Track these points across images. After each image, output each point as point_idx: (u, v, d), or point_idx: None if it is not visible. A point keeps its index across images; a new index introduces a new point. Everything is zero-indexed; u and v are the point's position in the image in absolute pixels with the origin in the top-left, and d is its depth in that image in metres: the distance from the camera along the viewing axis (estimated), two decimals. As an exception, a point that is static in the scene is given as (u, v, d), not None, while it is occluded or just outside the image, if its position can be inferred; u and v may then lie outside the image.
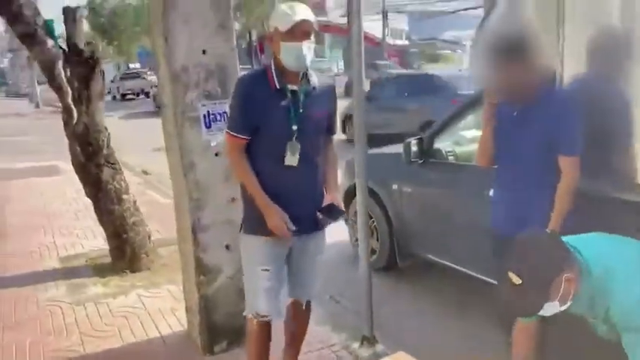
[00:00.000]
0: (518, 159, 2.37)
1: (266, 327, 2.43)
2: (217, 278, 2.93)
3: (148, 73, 29.36)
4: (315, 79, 2.30)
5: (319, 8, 31.74)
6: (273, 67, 2.23)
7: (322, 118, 2.34)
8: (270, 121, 2.22)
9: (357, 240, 4.55)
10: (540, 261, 1.63)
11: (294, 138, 2.22)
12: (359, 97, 2.83)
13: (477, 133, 3.97)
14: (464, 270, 3.50)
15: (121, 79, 31.71)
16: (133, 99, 29.86)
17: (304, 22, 2.13)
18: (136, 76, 31.65)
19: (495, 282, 2.76)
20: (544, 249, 1.67)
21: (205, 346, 2.98)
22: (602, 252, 1.74)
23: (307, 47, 2.16)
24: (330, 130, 2.44)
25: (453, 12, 32.62)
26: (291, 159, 2.24)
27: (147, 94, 27.92)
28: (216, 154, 2.81)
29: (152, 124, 17.25)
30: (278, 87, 2.22)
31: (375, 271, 3.79)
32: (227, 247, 2.92)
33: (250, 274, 2.40)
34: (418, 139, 3.68)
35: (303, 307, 2.56)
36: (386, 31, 32.67)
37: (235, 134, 2.25)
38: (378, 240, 4.29)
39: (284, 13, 2.16)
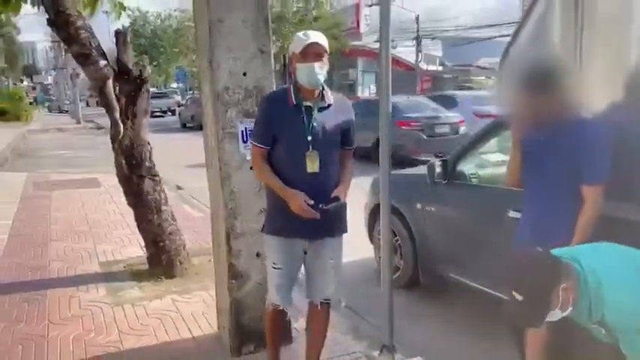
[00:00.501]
0: (544, 184, 2.48)
1: (279, 313, 2.76)
2: (247, 283, 3.14)
3: (177, 93, 31.45)
4: (330, 96, 2.61)
5: (354, 33, 32.25)
6: (292, 86, 2.58)
7: (336, 131, 2.60)
8: (288, 132, 2.55)
9: (379, 258, 4.73)
10: (537, 278, 1.78)
11: (310, 147, 2.52)
12: (385, 119, 3.02)
13: (499, 156, 4.13)
14: (485, 289, 3.60)
15: (151, 97, 33.65)
16: (162, 116, 32.00)
17: (315, 44, 2.46)
18: (163, 95, 35.11)
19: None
20: (539, 267, 1.82)
21: (234, 347, 3.18)
22: (598, 262, 1.88)
23: (319, 67, 2.48)
24: (347, 143, 2.70)
25: (488, 39, 32.67)
26: (311, 166, 2.52)
27: (173, 112, 30.09)
28: (251, 168, 3.04)
29: (180, 139, 18.11)
30: (295, 103, 2.54)
31: (398, 289, 3.93)
32: (257, 254, 3.13)
33: (268, 269, 2.73)
34: (442, 160, 3.85)
35: (319, 308, 2.77)
36: (419, 56, 32.90)
37: (257, 144, 2.60)
38: (401, 258, 4.43)
39: (299, 38, 2.52)
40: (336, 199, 2.56)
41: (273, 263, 2.67)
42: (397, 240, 4.40)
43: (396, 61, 35.87)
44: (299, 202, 2.47)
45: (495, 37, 33.25)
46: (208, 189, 3.36)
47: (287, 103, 2.56)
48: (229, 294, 3.14)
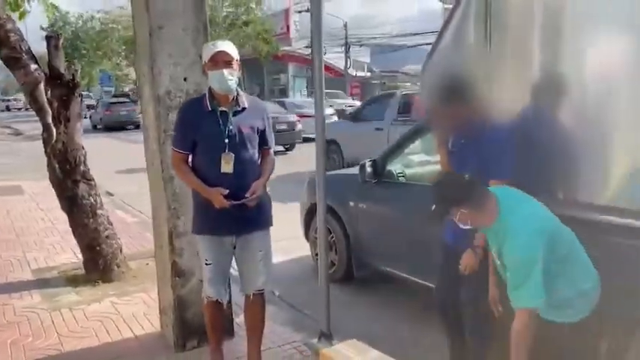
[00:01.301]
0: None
1: (215, 305, 2.93)
2: (190, 280, 3.26)
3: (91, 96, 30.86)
4: (244, 100, 2.80)
5: (284, 39, 32.52)
6: (208, 93, 2.77)
7: (252, 132, 2.79)
8: (206, 136, 2.73)
9: (317, 255, 4.94)
10: (446, 193, 2.29)
11: (226, 149, 2.70)
12: (319, 122, 3.23)
13: (423, 157, 4.47)
14: (414, 279, 3.90)
15: None
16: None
17: (223, 52, 2.65)
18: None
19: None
20: (451, 187, 2.31)
21: (178, 343, 3.28)
22: (510, 204, 2.26)
23: (228, 73, 2.66)
24: (264, 143, 2.89)
25: (414, 46, 33.99)
26: (226, 167, 2.71)
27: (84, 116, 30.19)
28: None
29: (97, 142, 17.55)
30: (210, 109, 2.73)
31: (334, 283, 4.16)
32: (198, 252, 3.23)
33: (202, 265, 2.90)
34: (372, 161, 4.12)
35: (252, 299, 2.94)
36: (348, 63, 33.67)
37: (177, 149, 2.80)
38: (336, 253, 4.67)
39: (208, 47, 2.73)
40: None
41: (205, 260, 2.85)
42: (332, 237, 4.63)
43: (326, 67, 36.33)
44: (218, 197, 2.65)
45: (420, 44, 34.63)
46: (149, 190, 3.43)
47: (203, 109, 2.74)
48: (173, 291, 3.24)
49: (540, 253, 2.14)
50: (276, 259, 5.25)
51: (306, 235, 5.16)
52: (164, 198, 3.16)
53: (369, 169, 4.08)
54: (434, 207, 2.31)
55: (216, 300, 2.90)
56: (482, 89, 2.81)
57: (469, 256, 2.72)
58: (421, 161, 4.44)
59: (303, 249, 5.22)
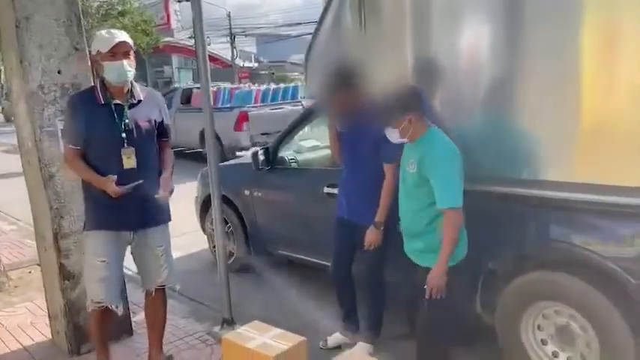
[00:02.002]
0: (356, 163, 2.99)
1: (103, 312, 2.71)
2: (80, 282, 3.10)
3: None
4: (139, 92, 2.69)
5: (165, 29, 31.31)
6: (98, 85, 2.62)
7: (150, 125, 2.69)
8: (100, 131, 2.57)
9: (214, 247, 4.93)
10: (399, 98, 2.48)
11: (125, 144, 2.58)
12: (208, 113, 3.23)
13: (313, 142, 4.62)
14: (311, 259, 4.03)
15: None
16: None
17: (123, 43, 2.54)
18: None
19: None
20: (404, 93, 2.51)
21: (72, 349, 3.13)
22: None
23: (128, 64, 2.56)
24: (163, 135, 2.80)
25: (299, 36, 34.39)
26: (128, 162, 2.59)
27: None
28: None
29: None
30: (104, 102, 2.59)
31: (234, 273, 4.19)
32: (86, 252, 3.07)
33: (89, 266, 2.71)
34: (264, 148, 4.18)
35: (154, 295, 2.87)
36: (235, 53, 33.26)
37: (70, 145, 2.62)
38: (234, 243, 4.69)
39: (104, 37, 2.55)
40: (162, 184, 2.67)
41: (98, 257, 2.65)
42: (229, 227, 4.64)
43: (213, 58, 35.78)
44: (111, 185, 2.51)
45: (306, 34, 35.06)
46: (28, 192, 3.22)
47: (95, 102, 2.58)
48: (62, 296, 3.09)
49: (459, 166, 2.43)
50: (176, 254, 5.21)
51: (203, 229, 5.11)
52: (45, 198, 2.98)
53: (261, 157, 4.13)
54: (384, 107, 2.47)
55: (106, 307, 2.68)
56: (362, 74, 2.97)
57: (373, 232, 2.89)
58: (311, 147, 4.58)
59: (202, 243, 5.17)
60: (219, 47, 32.90)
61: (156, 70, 34.79)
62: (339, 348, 3.18)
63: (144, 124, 2.66)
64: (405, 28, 3.00)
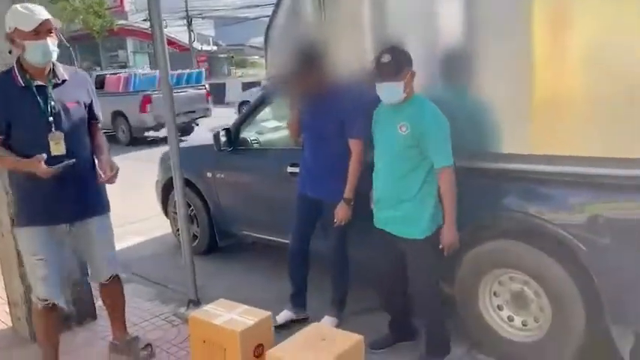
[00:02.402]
0: (319, 139, 3.01)
1: (49, 309, 2.57)
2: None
3: None
4: (62, 72, 2.49)
5: (118, 12, 30.36)
6: (16, 67, 2.40)
7: (78, 107, 2.50)
8: (23, 116, 2.37)
9: (178, 230, 4.90)
10: (401, 53, 2.54)
11: (52, 129, 2.38)
12: (168, 97, 3.20)
13: (274, 123, 4.63)
14: (275, 239, 4.06)
15: None
16: None
17: (47, 21, 2.34)
18: None
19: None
20: (404, 51, 2.56)
21: (33, 334, 3.08)
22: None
23: (52, 43, 2.38)
24: (93, 117, 2.62)
25: (257, 18, 33.95)
26: (56, 148, 2.39)
27: None
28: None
29: None
30: (24, 84, 2.38)
31: (198, 255, 4.19)
32: (21, 250, 2.85)
33: (27, 263, 2.57)
34: (226, 129, 4.16)
35: (108, 285, 2.77)
36: (192, 36, 32.58)
37: None
38: (198, 226, 4.68)
39: (23, 14, 2.32)
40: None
41: (34, 255, 2.50)
42: (192, 210, 4.62)
43: (170, 42, 34.92)
44: (40, 165, 2.28)
45: (264, 16, 34.60)
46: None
47: (14, 85, 2.37)
48: (21, 282, 3.03)
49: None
50: (138, 239, 5.18)
51: (165, 212, 5.07)
52: (1, 185, 2.90)
53: (223, 138, 4.11)
54: (388, 62, 2.50)
55: (53, 304, 2.55)
56: (324, 52, 2.99)
57: (343, 208, 2.94)
58: (273, 127, 4.59)
59: (165, 227, 5.14)
60: (176, 30, 32.14)
61: (110, 55, 33.75)
62: (285, 326, 3.19)
63: (72, 106, 2.47)
64: (364, 8, 3.04)
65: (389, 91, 2.56)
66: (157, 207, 5.16)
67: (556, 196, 2.54)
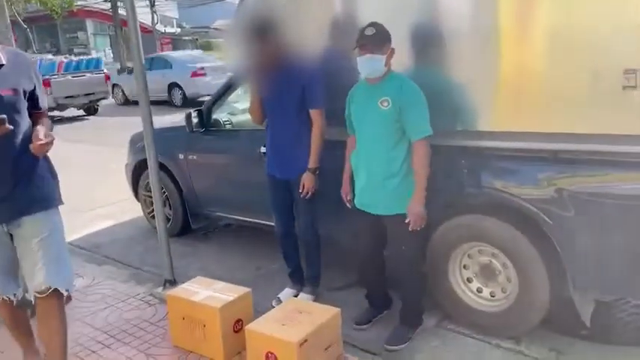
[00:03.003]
0: (282, 116, 3.05)
1: (6, 303, 2.37)
2: None
3: None
4: (1, 55, 2.17)
5: (78, -8, 29.36)
6: None
7: (17, 95, 2.17)
8: None
9: (149, 213, 4.88)
10: (384, 28, 2.59)
11: None
12: (141, 80, 3.17)
13: (246, 104, 4.62)
14: (249, 219, 4.09)
15: None
16: None
17: None
18: None
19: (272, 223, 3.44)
20: (385, 28, 2.59)
21: None
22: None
23: None
24: (36, 106, 2.31)
25: (224, 0, 33.35)
26: None
27: None
28: None
29: None
30: None
31: (172, 237, 4.18)
32: None
33: None
34: (197, 110, 4.14)
35: (40, 301, 2.23)
36: (155, 18, 31.81)
37: None
38: (170, 208, 4.66)
39: None
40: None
41: None
42: (164, 193, 4.58)
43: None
44: None
45: (229, -2, 34.00)
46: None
47: None
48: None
49: None
50: (109, 222, 5.14)
51: (136, 195, 5.03)
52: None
53: (195, 119, 4.10)
54: (372, 34, 2.55)
55: (4, 298, 2.32)
56: (279, 25, 3.01)
57: (309, 177, 2.99)
58: (245, 108, 4.58)
59: (135, 210, 5.10)
60: (138, 12, 31.31)
61: (70, 37, 32.68)
62: None
63: (6, 94, 2.12)
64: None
65: (371, 64, 2.60)
66: (127, 190, 5.12)
67: (522, 172, 2.65)
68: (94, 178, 6.96)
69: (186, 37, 36.92)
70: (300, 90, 2.93)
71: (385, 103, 2.62)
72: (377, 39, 2.56)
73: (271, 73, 2.98)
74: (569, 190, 2.49)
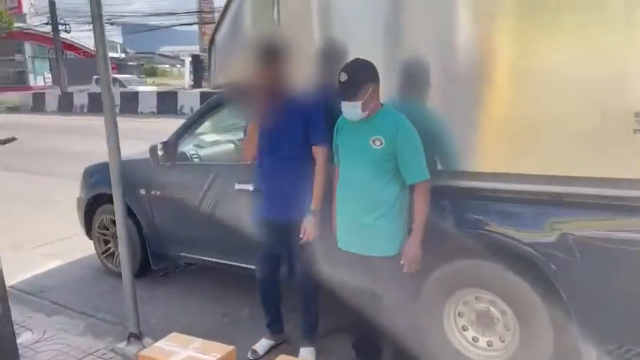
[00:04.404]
0: (282, 151, 2.78)
1: None
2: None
3: None
4: None
5: (16, 14, 28.19)
6: None
7: None
8: None
9: (104, 252, 4.48)
10: (359, 69, 2.44)
11: None
12: (109, 108, 2.87)
13: (215, 137, 4.38)
14: (218, 261, 3.78)
15: None
16: None
17: None
18: None
19: (252, 267, 3.18)
20: (364, 65, 2.45)
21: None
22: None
23: None
24: None
25: (169, 27, 32.91)
26: None
27: None
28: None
29: None
30: None
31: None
32: None
33: None
34: (163, 143, 3.85)
35: None
36: (99, 42, 30.95)
37: None
38: (128, 247, 4.28)
39: None
40: None
41: None
42: (121, 230, 4.22)
43: (72, 47, 32.87)
44: None
45: (176, 25, 33.70)
46: None
47: None
48: None
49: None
50: (56, 262, 4.68)
51: (88, 233, 4.61)
52: None
53: (161, 152, 3.80)
54: (345, 81, 2.41)
55: None
56: (287, 53, 2.81)
57: (310, 222, 2.72)
58: (213, 141, 4.33)
59: (87, 248, 4.67)
60: (81, 35, 30.34)
61: (7, 59, 31.15)
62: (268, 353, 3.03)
63: None
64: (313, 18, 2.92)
65: (348, 111, 2.49)
66: (75, 226, 4.70)
67: (524, 215, 2.53)
68: (35, 211, 6.42)
69: (131, 63, 36.11)
70: (304, 126, 2.69)
71: (378, 142, 2.47)
72: (350, 85, 2.41)
73: (274, 102, 2.73)
74: (575, 235, 2.39)
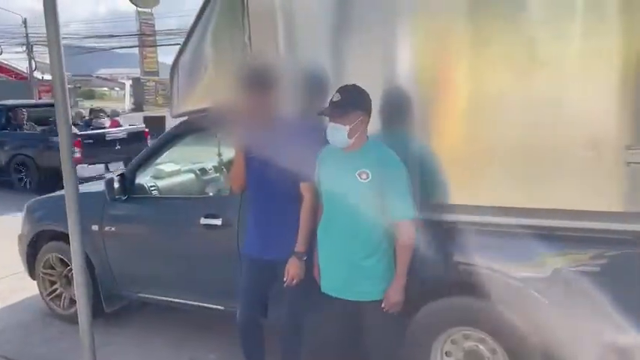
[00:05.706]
0: (272, 192, 2.60)
1: None
2: None
3: None
4: None
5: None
6: None
7: None
8: None
9: (49, 294, 4.09)
10: (354, 94, 2.32)
11: None
12: (65, 137, 2.61)
13: (174, 166, 4.12)
14: (183, 301, 3.49)
15: None
16: None
17: None
18: None
19: (220, 307, 2.94)
20: (359, 92, 2.33)
21: None
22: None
23: None
24: None
25: (109, 49, 31.98)
26: None
27: None
28: None
29: None
30: None
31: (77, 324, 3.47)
32: None
33: None
34: (120, 175, 3.57)
35: None
36: (33, 64, 29.53)
37: None
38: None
39: None
40: None
41: None
42: (70, 269, 3.87)
43: (4, 69, 31.23)
44: None
45: (116, 48, 32.79)
46: None
47: None
48: None
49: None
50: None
51: (31, 273, 4.21)
52: None
53: (117, 185, 3.51)
54: (337, 101, 2.30)
55: None
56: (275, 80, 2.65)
57: (295, 264, 2.54)
58: (172, 171, 4.08)
59: (29, 289, 4.26)
60: (14, 57, 28.90)
61: None
62: None
63: None
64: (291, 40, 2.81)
65: (333, 133, 2.34)
66: (16, 265, 4.29)
67: (515, 249, 2.46)
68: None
69: (68, 86, 34.71)
70: (294, 159, 2.48)
71: (364, 176, 2.33)
72: (339, 106, 2.29)
73: (263, 134, 2.54)
74: (566, 269, 2.34)
